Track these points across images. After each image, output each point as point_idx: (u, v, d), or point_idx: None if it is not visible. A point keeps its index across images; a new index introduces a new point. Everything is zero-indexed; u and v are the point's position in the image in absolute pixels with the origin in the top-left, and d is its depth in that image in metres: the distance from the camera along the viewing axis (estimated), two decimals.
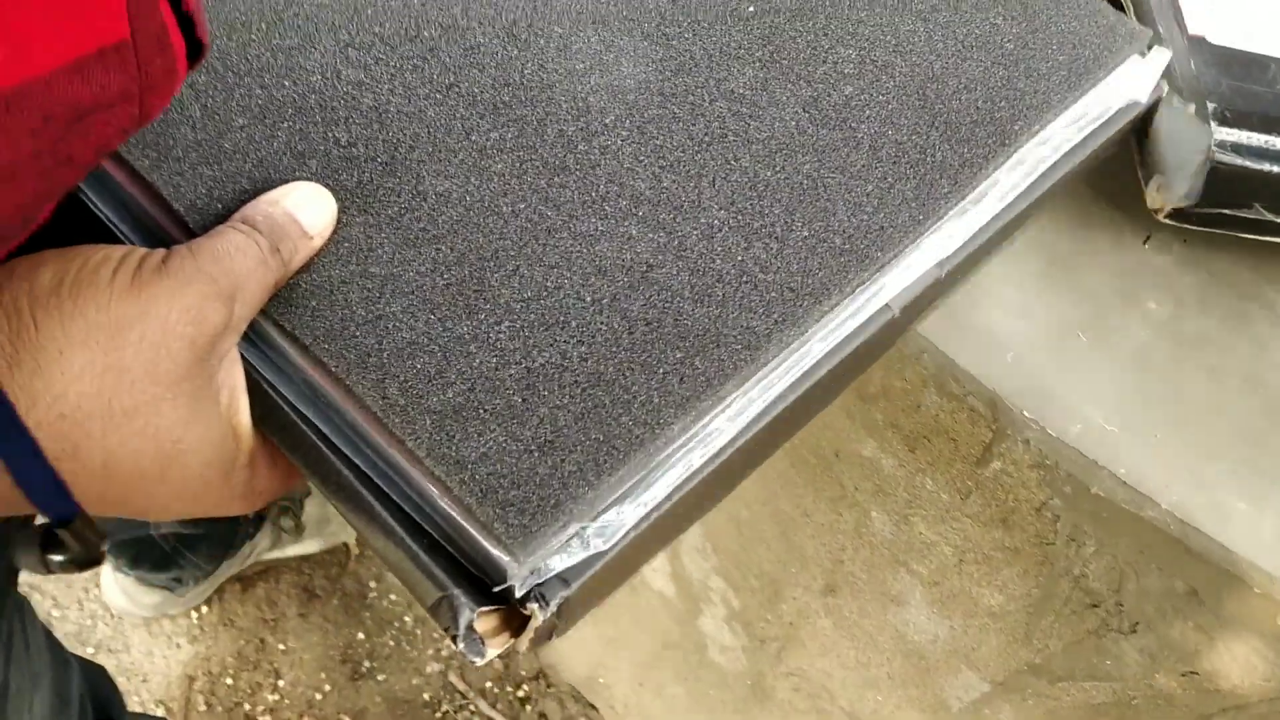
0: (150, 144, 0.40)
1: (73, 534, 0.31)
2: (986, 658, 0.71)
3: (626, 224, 0.41)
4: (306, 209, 0.38)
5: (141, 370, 0.33)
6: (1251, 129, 0.55)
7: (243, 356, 0.37)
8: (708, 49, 0.47)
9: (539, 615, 0.34)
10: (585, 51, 0.45)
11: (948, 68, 0.48)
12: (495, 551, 0.35)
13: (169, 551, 1.25)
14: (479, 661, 0.34)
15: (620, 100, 0.44)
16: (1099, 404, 0.57)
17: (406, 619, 1.44)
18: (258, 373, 0.38)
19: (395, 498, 0.37)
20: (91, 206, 0.40)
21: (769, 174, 0.44)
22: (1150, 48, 0.52)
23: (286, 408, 0.38)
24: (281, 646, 1.38)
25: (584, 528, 0.36)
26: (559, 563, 0.35)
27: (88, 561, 0.32)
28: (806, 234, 0.42)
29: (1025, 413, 0.57)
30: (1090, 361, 0.58)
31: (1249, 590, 0.55)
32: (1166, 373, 0.59)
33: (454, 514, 0.36)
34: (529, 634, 0.35)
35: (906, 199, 0.44)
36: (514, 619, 0.35)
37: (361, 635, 1.41)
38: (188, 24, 0.30)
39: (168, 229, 0.39)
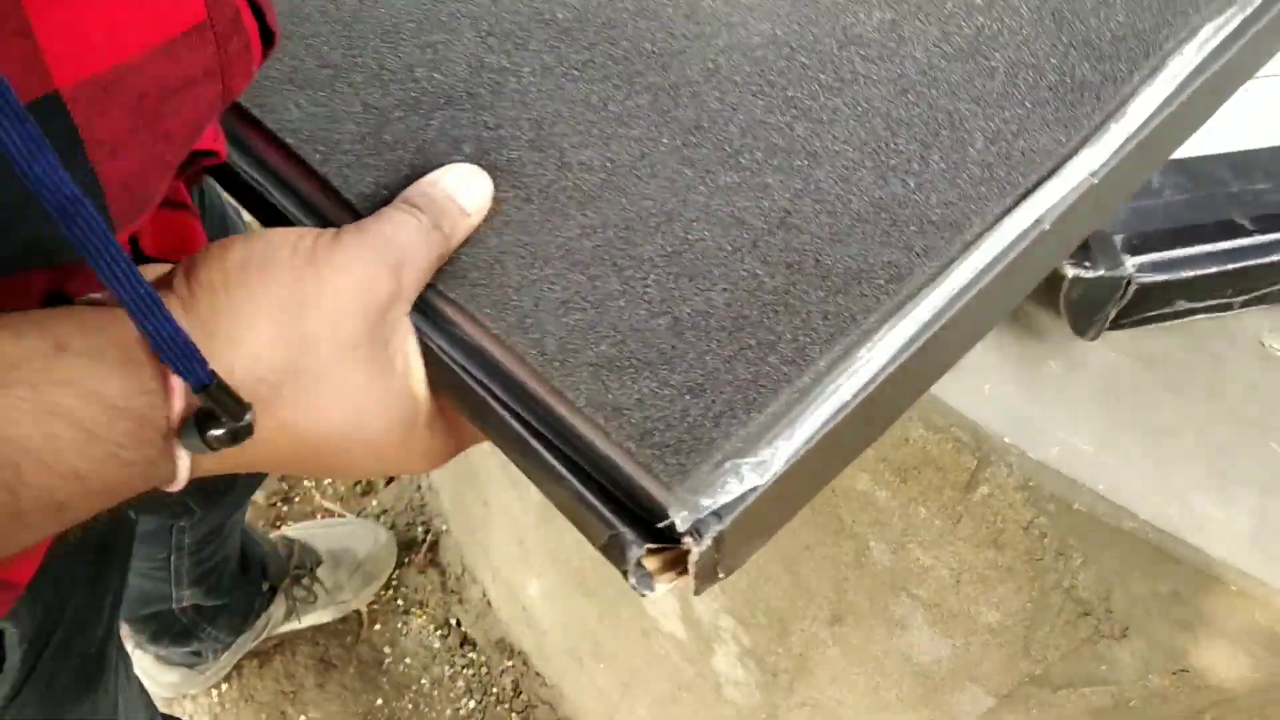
0: (319, 139, 0.44)
1: (215, 400, 0.32)
2: (990, 672, 0.75)
3: (762, 174, 0.42)
4: (463, 188, 0.41)
5: (323, 336, 0.36)
6: (1158, 248, 0.61)
7: (415, 326, 0.40)
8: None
9: (695, 549, 0.35)
10: (711, 14, 0.47)
11: None
12: (655, 490, 0.36)
13: (188, 625, 1.28)
14: (650, 595, 0.36)
15: (748, 57, 0.46)
16: (1074, 426, 0.62)
17: (424, 681, 1.46)
18: (430, 339, 0.40)
19: (561, 446, 0.39)
20: (274, 201, 0.44)
21: (901, 111, 0.43)
22: None
23: (458, 369, 0.40)
24: (302, 718, 1.41)
25: (738, 464, 0.36)
26: (717, 499, 0.36)
27: (241, 430, 0.33)
28: (944, 166, 0.42)
29: (1006, 439, 0.61)
30: (1062, 387, 0.63)
31: (1227, 589, 0.59)
32: (1134, 392, 0.63)
33: (615, 458, 0.37)
34: (691, 571, 0.36)
35: (1048, 122, 0.43)
36: (681, 559, 0.36)
37: (380, 701, 1.43)
38: (258, 12, 0.34)
39: (341, 218, 0.42)
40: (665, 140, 0.43)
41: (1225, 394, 0.64)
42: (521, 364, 0.39)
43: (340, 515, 1.63)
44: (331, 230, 0.38)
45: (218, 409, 0.33)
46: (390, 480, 1.68)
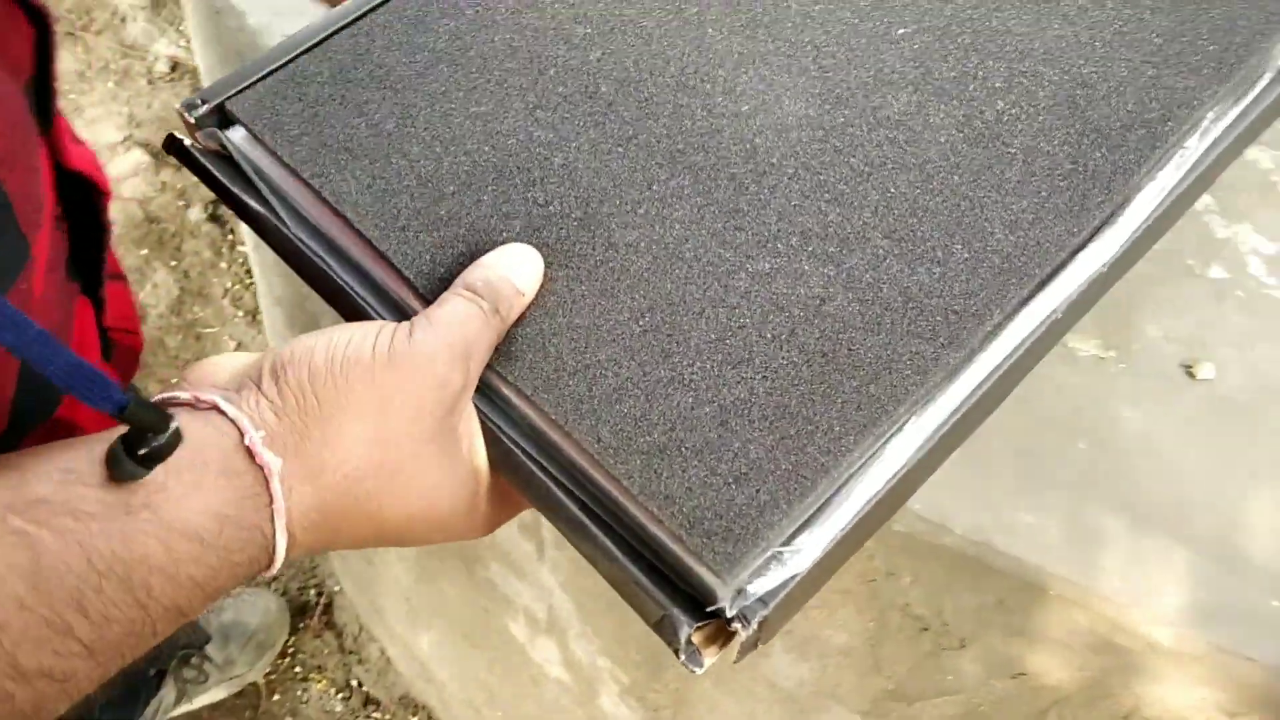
0: (376, 213, 0.46)
1: (137, 419, 0.32)
2: (848, 692, 0.75)
3: (798, 260, 0.45)
4: (519, 270, 0.43)
5: (403, 433, 0.38)
6: None
7: (476, 407, 0.43)
8: (862, 77, 0.50)
9: (743, 633, 0.38)
10: (748, 92, 0.50)
11: (1097, 72, 0.50)
12: (706, 576, 0.39)
13: None
14: (698, 671, 0.39)
15: (784, 139, 0.48)
16: None
17: None
18: (489, 420, 0.43)
19: (615, 527, 0.41)
20: (335, 277, 0.46)
21: (927, 198, 0.47)
22: None
23: (517, 451, 0.42)
24: None
25: (780, 553, 0.40)
26: (760, 586, 0.39)
27: (170, 442, 0.33)
28: (966, 255, 0.45)
29: None
30: None
31: (1045, 594, 0.60)
32: None
33: (667, 542, 0.40)
34: (735, 649, 0.39)
35: (1061, 212, 0.46)
36: (722, 633, 0.39)
37: None
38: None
39: (398, 291, 0.45)
40: (707, 223, 0.46)
41: (1033, 398, 0.65)
42: (579, 450, 0.42)
43: None
44: (405, 326, 0.40)
45: (143, 425, 0.33)
46: None
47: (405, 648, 1.40)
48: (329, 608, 1.58)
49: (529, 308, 0.44)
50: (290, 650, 1.54)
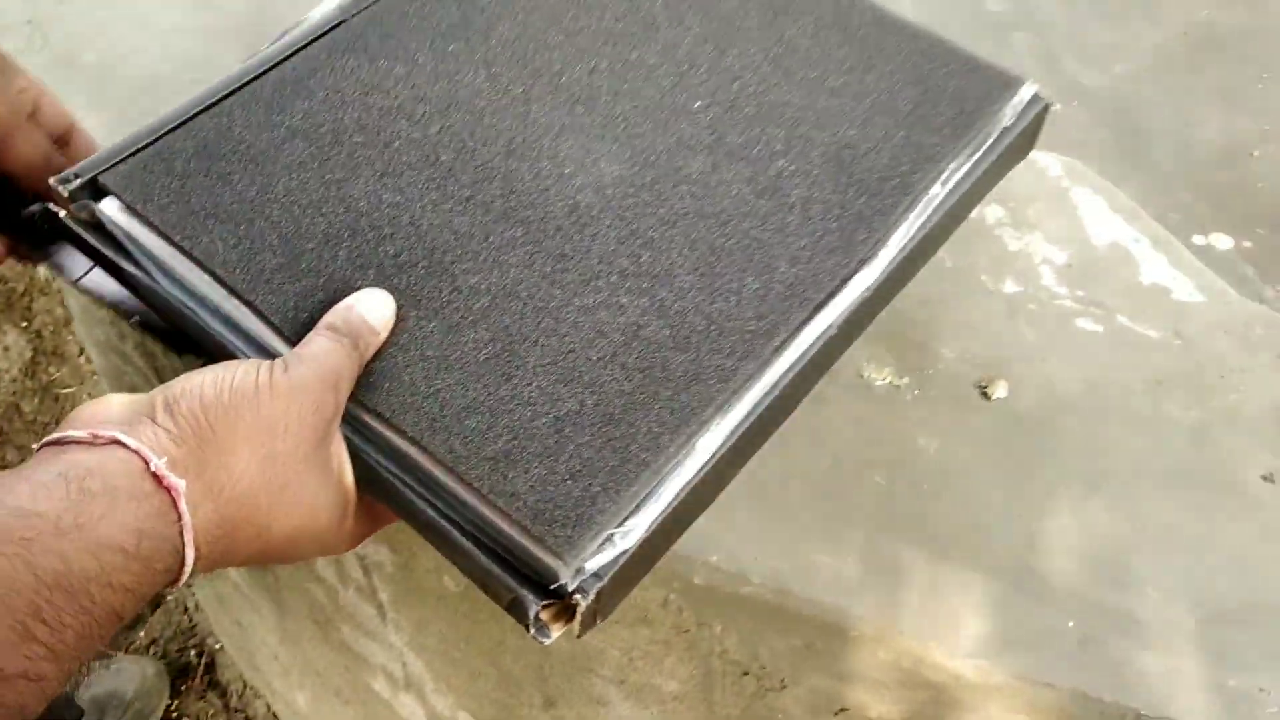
0: (243, 269, 0.51)
1: None
2: None
3: (617, 295, 0.52)
4: (373, 310, 0.49)
5: (288, 454, 0.44)
6: None
7: (343, 432, 0.48)
8: (666, 143, 0.58)
9: (583, 604, 0.45)
10: (570, 157, 0.57)
11: (858, 134, 0.59)
12: (549, 559, 0.45)
13: None
14: (546, 642, 0.45)
15: (601, 195, 0.56)
16: None
17: None
18: (354, 443, 0.48)
19: (468, 527, 0.47)
20: (207, 327, 0.51)
21: (723, 240, 0.55)
22: (1019, 88, 0.62)
23: (379, 468, 0.48)
24: None
25: (611, 534, 0.46)
26: (596, 563, 0.46)
27: None
28: (757, 286, 0.53)
29: None
30: None
31: (847, 634, 0.59)
32: None
33: (514, 535, 0.46)
34: (578, 620, 0.45)
35: (833, 248, 0.55)
36: (566, 609, 0.45)
37: None
38: None
39: (264, 337, 0.51)
40: (538, 267, 0.53)
41: (829, 434, 0.64)
42: (434, 461, 0.48)
43: (106, 654, 1.54)
44: (280, 361, 0.46)
45: None
46: (157, 606, 1.60)
47: (286, 704, 1.36)
48: (211, 666, 1.53)
49: (385, 344, 0.50)
50: (174, 714, 1.49)
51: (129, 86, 0.76)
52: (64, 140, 0.59)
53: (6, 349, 1.76)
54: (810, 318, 0.53)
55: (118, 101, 0.77)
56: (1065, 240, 0.74)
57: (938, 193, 0.57)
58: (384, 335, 0.50)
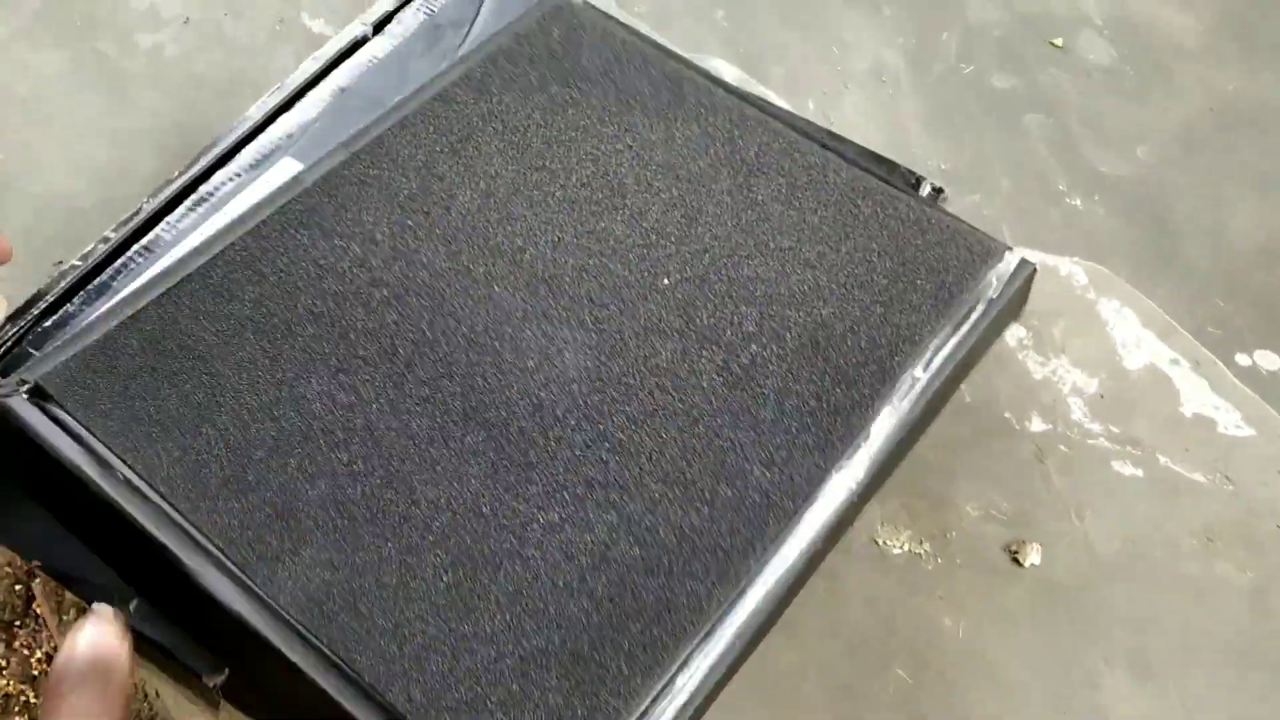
0: (186, 487, 0.48)
1: None
2: None
3: (584, 509, 0.48)
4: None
5: None
6: None
7: (297, 668, 0.44)
8: (634, 327, 0.54)
9: None
10: (533, 348, 0.53)
11: (834, 312, 0.55)
12: None
13: None
14: None
15: (566, 391, 0.52)
16: None
17: None
18: (309, 675, 0.44)
19: None
20: (155, 540, 0.47)
21: (694, 442, 0.51)
22: (1004, 255, 0.58)
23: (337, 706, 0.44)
24: None
25: None
26: None
27: None
28: (730, 494, 0.49)
29: None
30: None
31: None
32: None
33: None
34: None
35: (809, 448, 0.51)
36: None
37: None
38: None
39: (206, 560, 0.47)
40: (501, 477, 0.49)
41: (843, 620, 0.57)
42: (391, 713, 0.43)
43: None
44: None
45: None
46: None
47: None
48: None
49: (339, 566, 0.46)
50: None
51: (31, 206, 0.67)
52: None
53: None
54: (788, 531, 0.49)
55: (20, 224, 0.67)
56: (1095, 364, 0.66)
57: (920, 376, 0.54)
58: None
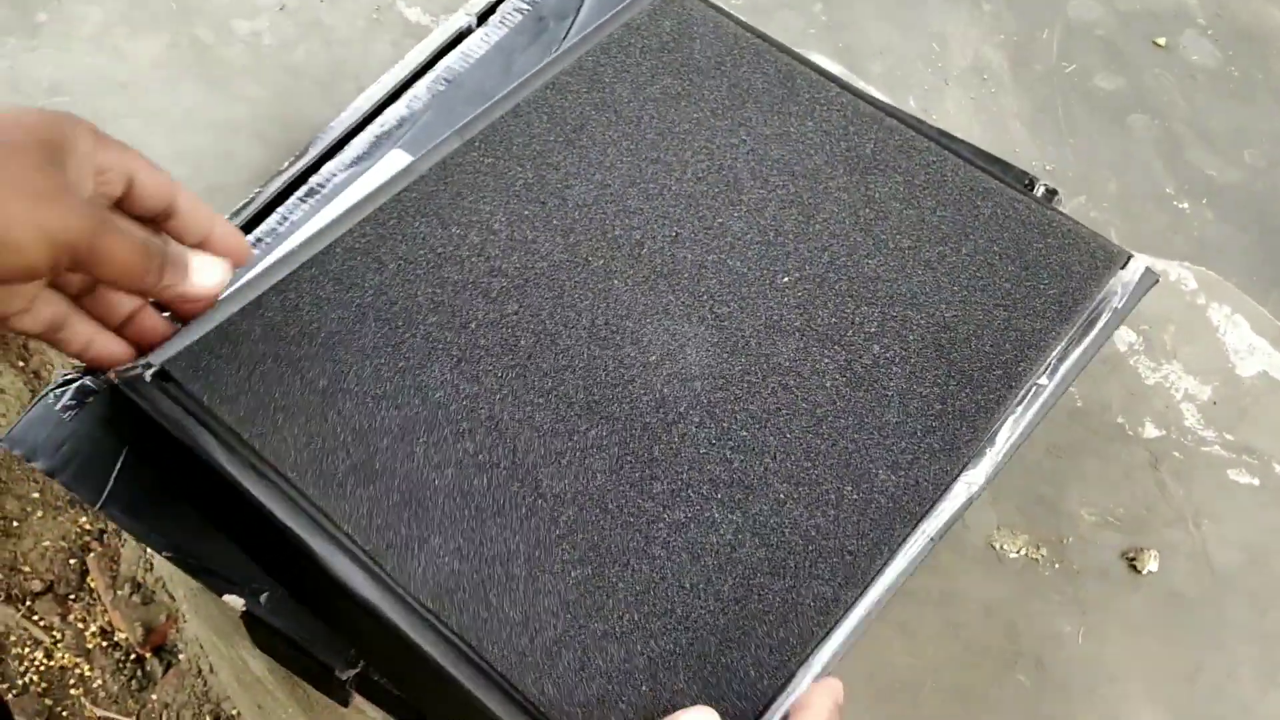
0: (314, 472, 0.47)
1: None
2: None
3: (709, 508, 0.48)
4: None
5: None
6: None
7: (430, 651, 0.44)
8: (755, 325, 0.54)
9: None
10: (655, 343, 0.53)
11: (957, 315, 0.54)
12: None
13: None
14: None
15: (688, 388, 0.52)
16: None
17: None
18: (447, 666, 0.44)
19: None
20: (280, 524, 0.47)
21: (818, 442, 0.50)
22: (1127, 262, 0.57)
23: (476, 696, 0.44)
24: None
25: None
26: None
27: None
28: (856, 497, 0.49)
29: None
30: None
31: None
32: (858, 648, 0.55)
33: None
34: None
35: (935, 452, 0.50)
36: None
37: None
38: None
39: (336, 548, 0.46)
40: (625, 473, 0.49)
41: (961, 624, 0.56)
42: (525, 706, 0.44)
43: None
44: None
45: None
46: (168, 668, 1.52)
47: None
48: None
49: (467, 558, 0.46)
50: None
51: None
52: (167, 215, 0.49)
53: (3, 391, 1.66)
54: (911, 532, 0.49)
55: None
56: (1207, 371, 0.65)
57: (1044, 383, 0.53)
58: None
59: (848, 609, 0.47)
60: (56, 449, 0.53)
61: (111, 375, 0.49)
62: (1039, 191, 0.62)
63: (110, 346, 0.49)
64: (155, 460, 0.53)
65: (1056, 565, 0.58)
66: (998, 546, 0.59)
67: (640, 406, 0.51)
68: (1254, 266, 0.70)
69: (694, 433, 0.50)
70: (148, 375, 0.50)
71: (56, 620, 1.52)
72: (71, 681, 1.51)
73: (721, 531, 0.48)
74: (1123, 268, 0.56)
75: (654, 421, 0.51)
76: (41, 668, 1.51)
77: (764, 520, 0.48)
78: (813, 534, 0.48)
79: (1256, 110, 0.77)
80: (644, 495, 0.49)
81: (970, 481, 0.50)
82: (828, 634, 0.46)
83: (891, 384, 0.52)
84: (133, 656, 1.52)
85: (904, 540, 0.49)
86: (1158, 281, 0.56)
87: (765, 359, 0.53)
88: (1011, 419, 0.52)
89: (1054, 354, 0.54)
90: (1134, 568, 0.59)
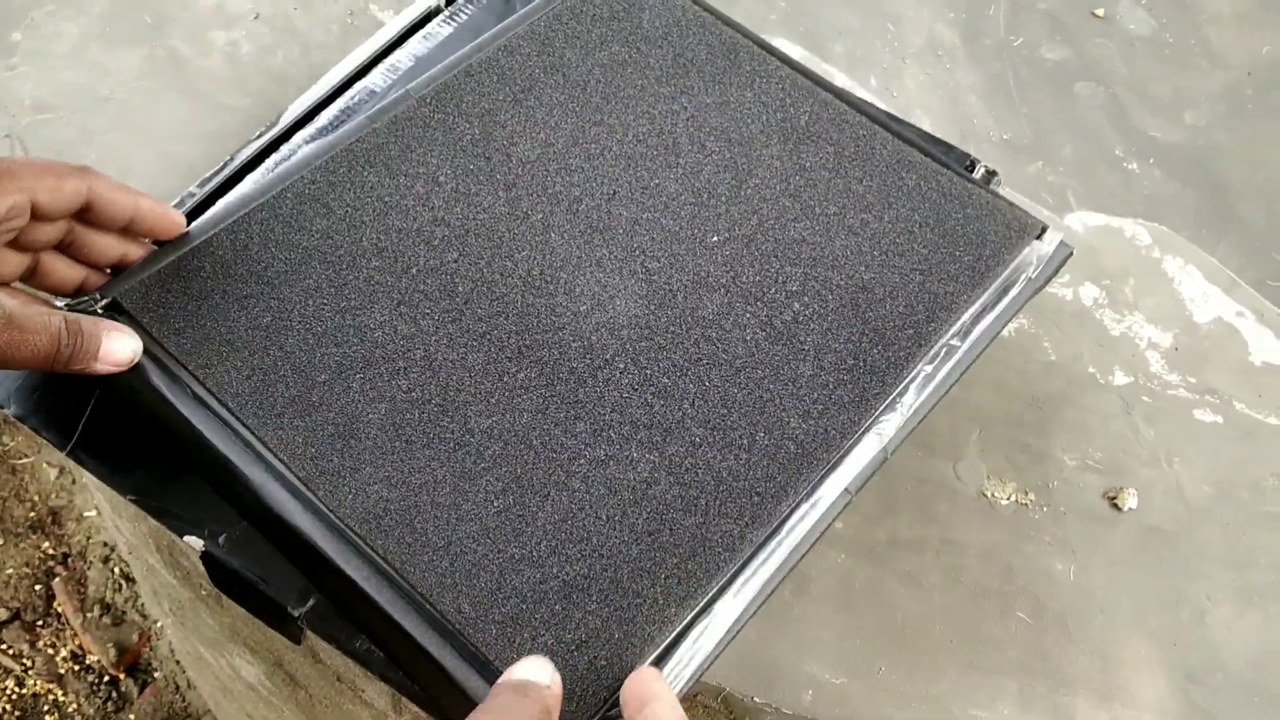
0: (254, 402, 0.50)
1: None
2: None
3: (629, 448, 0.51)
4: (535, 671, 0.44)
5: None
6: None
7: (354, 575, 0.47)
8: (683, 280, 0.56)
9: None
10: (586, 293, 0.55)
11: (875, 277, 0.57)
12: None
13: None
14: None
15: (616, 336, 0.54)
16: (820, 659, 0.56)
17: None
18: (368, 589, 0.47)
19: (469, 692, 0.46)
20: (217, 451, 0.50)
21: (735, 391, 0.53)
22: (1042, 233, 0.60)
23: (398, 622, 0.47)
24: None
25: (614, 710, 0.46)
26: None
27: None
28: (767, 442, 0.52)
29: (755, 698, 0.55)
30: (797, 618, 0.57)
31: None
32: (868, 600, 0.58)
33: None
34: None
35: (844, 404, 0.53)
36: None
37: None
38: None
39: (276, 469, 0.49)
40: (551, 413, 0.52)
41: (963, 569, 0.60)
42: (444, 623, 0.47)
43: None
44: None
45: None
46: (144, 688, 1.51)
47: None
48: None
49: (394, 483, 0.49)
50: None
51: None
52: (131, 227, 0.53)
53: None
54: (820, 480, 0.52)
55: None
56: (1167, 320, 0.70)
57: (958, 345, 0.56)
58: (558, 689, 0.44)
59: (756, 548, 0.50)
60: (29, 395, 0.55)
61: (60, 303, 0.51)
62: (979, 173, 0.65)
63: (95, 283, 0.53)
64: (116, 398, 0.55)
65: (1045, 509, 0.62)
66: (989, 495, 0.62)
67: (569, 352, 0.54)
68: (1202, 219, 0.74)
69: (618, 378, 0.53)
70: (99, 306, 0.52)
71: (26, 647, 1.50)
72: (45, 708, 1.49)
73: (639, 469, 0.51)
74: (1038, 238, 0.59)
75: (581, 367, 0.53)
76: (14, 696, 1.49)
77: (679, 461, 0.51)
78: (724, 475, 0.51)
79: (1192, 74, 0.82)
80: (567, 434, 0.51)
81: (881, 433, 0.53)
82: (736, 572, 0.49)
83: (808, 340, 0.55)
84: (106, 678, 1.51)
85: (811, 485, 0.51)
86: (1072, 254, 0.59)
87: (690, 312, 0.55)
88: (922, 376, 0.55)
89: (966, 317, 0.57)
90: (1115, 506, 0.63)
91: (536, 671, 0.46)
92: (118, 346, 0.50)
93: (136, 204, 0.52)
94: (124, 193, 0.51)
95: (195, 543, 0.52)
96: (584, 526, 0.49)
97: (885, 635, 0.58)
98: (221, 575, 0.53)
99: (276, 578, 0.52)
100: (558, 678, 0.46)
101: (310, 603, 0.52)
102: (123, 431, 0.54)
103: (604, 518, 0.50)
